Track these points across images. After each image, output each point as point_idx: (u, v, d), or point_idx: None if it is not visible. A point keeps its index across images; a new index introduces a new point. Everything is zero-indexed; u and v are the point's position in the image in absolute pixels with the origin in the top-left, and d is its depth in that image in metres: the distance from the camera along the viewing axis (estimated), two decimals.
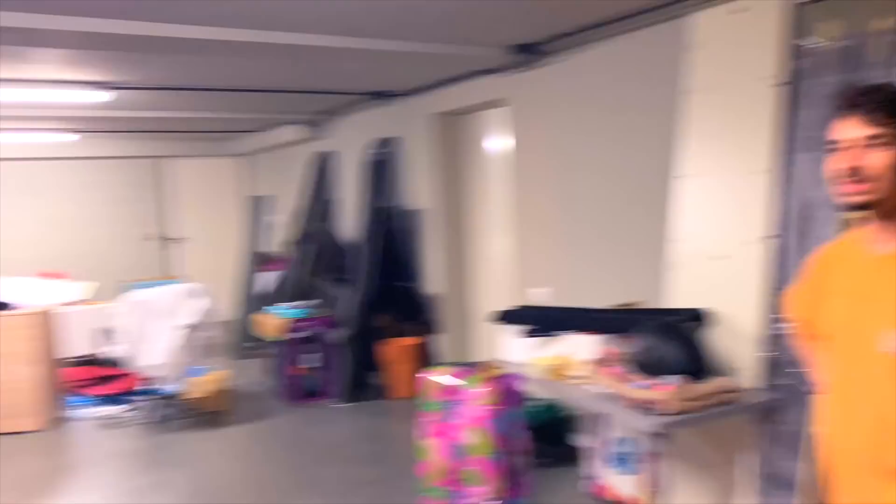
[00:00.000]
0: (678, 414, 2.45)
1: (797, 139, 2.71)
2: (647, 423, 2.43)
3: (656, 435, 2.45)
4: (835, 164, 1.42)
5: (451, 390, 3.06)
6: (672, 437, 2.57)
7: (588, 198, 4.05)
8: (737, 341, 2.86)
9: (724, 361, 2.89)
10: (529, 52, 4.12)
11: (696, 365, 2.61)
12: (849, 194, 1.40)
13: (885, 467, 1.38)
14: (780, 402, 2.68)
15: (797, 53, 2.73)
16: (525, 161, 4.59)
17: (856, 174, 1.38)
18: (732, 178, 2.96)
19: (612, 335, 3.03)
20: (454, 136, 5.51)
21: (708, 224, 3.05)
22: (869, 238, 1.47)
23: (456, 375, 3.08)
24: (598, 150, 3.95)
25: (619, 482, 3.36)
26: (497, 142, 5.04)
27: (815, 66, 2.66)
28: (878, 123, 1.36)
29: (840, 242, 1.63)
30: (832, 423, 1.52)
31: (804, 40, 2.70)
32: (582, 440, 4.04)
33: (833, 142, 1.43)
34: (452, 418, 3.04)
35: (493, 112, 4.99)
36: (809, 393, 2.58)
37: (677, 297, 3.13)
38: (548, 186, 4.38)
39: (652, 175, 3.50)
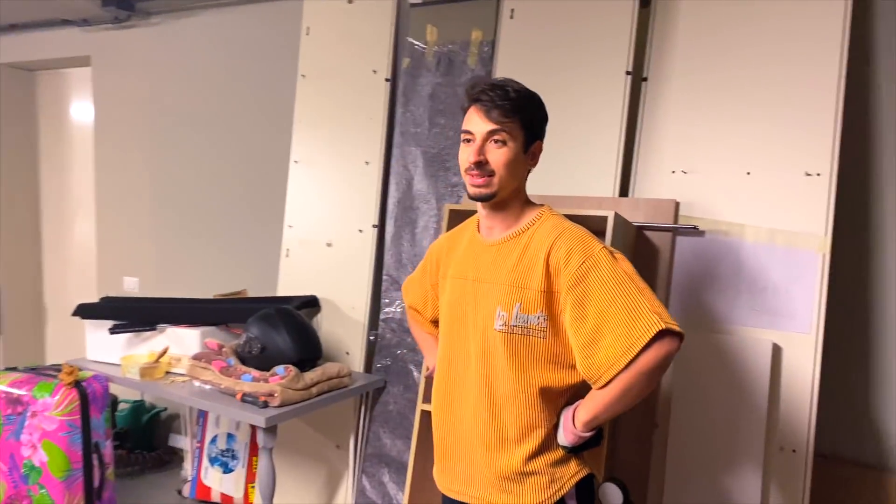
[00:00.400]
0: (288, 405, 2.36)
1: (403, 133, 2.84)
2: (255, 417, 2.29)
3: (265, 429, 2.32)
4: (464, 154, 1.46)
5: (14, 401, 2.50)
6: (280, 428, 2.47)
7: (189, 180, 3.72)
8: (347, 326, 2.90)
9: (334, 347, 2.91)
10: (120, 6, 3.61)
11: (306, 352, 2.55)
12: (474, 185, 1.45)
13: (496, 439, 1.46)
14: (387, 383, 2.79)
15: (406, 52, 2.85)
16: (108, 132, 4.03)
17: (480, 166, 1.43)
18: (343, 166, 2.98)
19: (216, 327, 2.82)
20: (26, 94, 4.59)
21: (320, 211, 3.03)
22: (484, 227, 1.55)
23: (21, 383, 2.53)
24: (203, 128, 3.64)
25: (222, 482, 3.17)
26: (89, 108, 4.34)
27: (420, 65, 2.81)
28: (495, 121, 1.42)
29: (458, 231, 1.70)
30: (446, 400, 1.57)
31: (413, 40, 2.83)
32: (182, 441, 3.73)
33: (465, 132, 1.46)
34: (16, 435, 2.50)
35: (84, 71, 4.27)
36: (419, 374, 2.74)
37: (291, 283, 3.06)
38: (137, 164, 3.91)
39: (268, 159, 3.36)
